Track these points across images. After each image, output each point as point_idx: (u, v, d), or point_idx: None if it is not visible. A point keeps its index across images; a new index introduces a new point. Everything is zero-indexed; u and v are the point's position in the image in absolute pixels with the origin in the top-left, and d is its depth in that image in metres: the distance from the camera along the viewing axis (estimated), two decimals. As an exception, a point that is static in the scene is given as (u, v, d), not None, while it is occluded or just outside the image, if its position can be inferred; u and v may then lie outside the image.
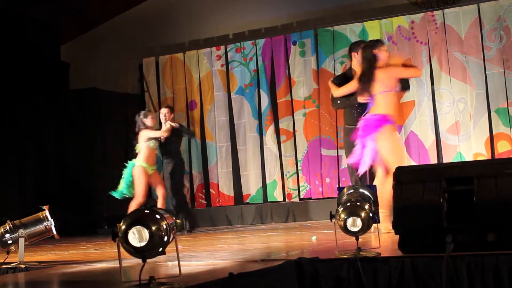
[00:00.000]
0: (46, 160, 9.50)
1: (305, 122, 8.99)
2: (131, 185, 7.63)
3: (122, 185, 7.66)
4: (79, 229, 9.04)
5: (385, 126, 5.19)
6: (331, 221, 3.34)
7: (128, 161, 7.76)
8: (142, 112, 7.83)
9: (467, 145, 8.10)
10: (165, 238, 2.47)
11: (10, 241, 4.30)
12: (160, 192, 7.69)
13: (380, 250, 3.35)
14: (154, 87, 10.01)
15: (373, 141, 5.21)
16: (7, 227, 4.31)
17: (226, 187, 9.39)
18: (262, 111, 9.28)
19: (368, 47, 5.46)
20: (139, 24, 10.20)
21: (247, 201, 9.25)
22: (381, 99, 5.26)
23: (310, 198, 8.92)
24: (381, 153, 5.22)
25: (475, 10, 8.19)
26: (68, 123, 9.73)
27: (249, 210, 9.12)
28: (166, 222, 2.48)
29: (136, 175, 7.56)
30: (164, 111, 7.95)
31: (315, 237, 5.19)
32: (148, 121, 7.70)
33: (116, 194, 7.67)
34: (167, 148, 7.88)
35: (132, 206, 7.33)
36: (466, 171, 3.31)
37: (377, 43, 5.51)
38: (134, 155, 7.83)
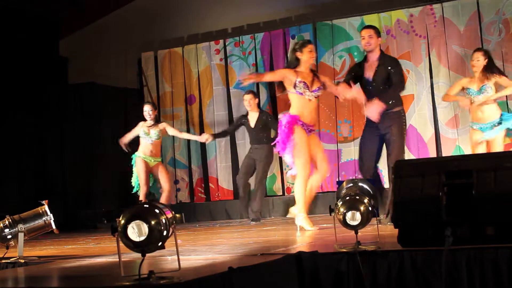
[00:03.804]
0: (45, 154, 9.49)
1: (304, 116, 8.94)
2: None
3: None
4: (79, 224, 9.05)
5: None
6: (330, 215, 3.35)
7: None
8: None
9: (466, 139, 8.07)
10: (164, 233, 2.46)
11: (9, 236, 4.30)
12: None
13: (379, 244, 3.35)
14: (153, 82, 10.00)
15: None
16: (7, 222, 4.31)
17: (225, 181, 9.38)
18: (261, 106, 9.25)
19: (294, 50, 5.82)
20: (138, 18, 10.18)
21: (247, 195, 9.24)
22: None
23: (309, 192, 8.89)
24: None
25: (474, 3, 8.17)
26: (66, 117, 9.72)
27: (248, 204, 9.10)
28: (165, 217, 2.48)
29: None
30: (248, 97, 8.10)
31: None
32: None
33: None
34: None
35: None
36: (465, 165, 3.30)
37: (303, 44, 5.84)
38: (133, 148, 7.90)
